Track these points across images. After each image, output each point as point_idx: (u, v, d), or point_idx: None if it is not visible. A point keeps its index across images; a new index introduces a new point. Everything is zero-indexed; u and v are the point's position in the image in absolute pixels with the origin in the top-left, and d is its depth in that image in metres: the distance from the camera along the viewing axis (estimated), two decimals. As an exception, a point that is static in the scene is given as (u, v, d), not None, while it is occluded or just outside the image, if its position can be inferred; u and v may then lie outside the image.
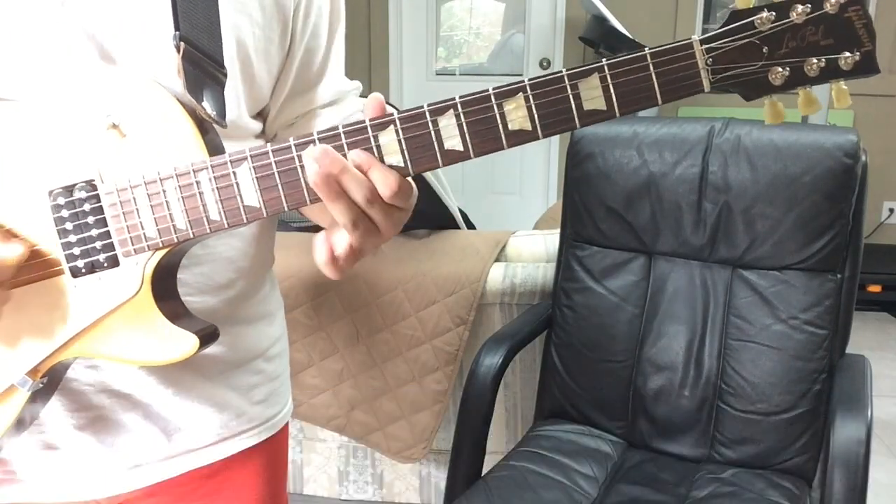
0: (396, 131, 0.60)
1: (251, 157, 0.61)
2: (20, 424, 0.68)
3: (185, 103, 0.63)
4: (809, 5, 0.56)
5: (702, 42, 0.57)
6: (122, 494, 0.78)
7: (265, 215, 0.62)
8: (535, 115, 0.59)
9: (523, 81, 0.58)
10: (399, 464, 2.05)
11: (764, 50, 0.57)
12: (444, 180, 1.95)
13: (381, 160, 0.60)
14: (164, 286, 0.66)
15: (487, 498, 1.39)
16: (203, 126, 0.63)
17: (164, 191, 0.62)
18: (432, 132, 0.60)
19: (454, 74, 4.46)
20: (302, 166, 0.60)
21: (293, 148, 0.60)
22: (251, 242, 0.81)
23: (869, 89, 3.60)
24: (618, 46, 3.38)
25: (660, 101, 0.58)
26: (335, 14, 0.82)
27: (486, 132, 0.59)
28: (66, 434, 0.74)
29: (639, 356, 1.63)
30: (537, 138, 0.59)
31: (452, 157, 0.60)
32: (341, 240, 0.62)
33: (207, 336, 0.66)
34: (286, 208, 0.62)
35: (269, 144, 0.61)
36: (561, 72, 0.58)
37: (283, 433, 0.90)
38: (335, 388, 1.97)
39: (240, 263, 0.79)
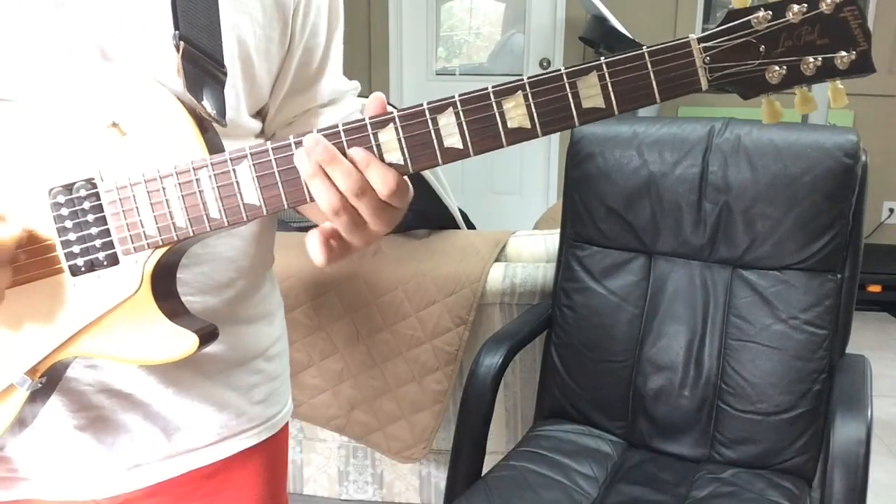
0: (396, 129, 0.60)
1: (251, 155, 0.61)
2: (20, 424, 0.68)
3: (185, 102, 0.63)
4: (805, 5, 0.56)
5: (699, 41, 0.57)
6: (122, 494, 0.78)
7: (265, 213, 0.62)
8: (535, 114, 0.59)
9: (522, 80, 0.59)
10: (399, 464, 2.04)
11: (761, 49, 0.57)
12: (443, 180, 1.95)
13: (381, 158, 0.60)
14: (164, 285, 0.66)
15: (487, 498, 1.39)
16: (203, 125, 0.63)
17: (163, 189, 0.62)
18: (432, 130, 0.60)
19: (454, 74, 4.46)
20: None
21: (293, 146, 0.60)
22: (251, 242, 0.81)
23: (869, 89, 3.59)
24: (618, 46, 3.38)
25: (658, 100, 0.58)
26: (334, 13, 0.82)
27: (485, 130, 0.60)
28: (66, 434, 0.74)
29: (639, 356, 1.63)
30: (536, 136, 0.60)
31: (452, 155, 0.60)
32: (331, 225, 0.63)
33: (207, 335, 0.66)
34: (286, 206, 0.62)
35: (269, 143, 0.61)
36: (560, 70, 0.58)
37: (283, 433, 0.90)
38: (335, 388, 1.97)
39: (240, 263, 0.79)
